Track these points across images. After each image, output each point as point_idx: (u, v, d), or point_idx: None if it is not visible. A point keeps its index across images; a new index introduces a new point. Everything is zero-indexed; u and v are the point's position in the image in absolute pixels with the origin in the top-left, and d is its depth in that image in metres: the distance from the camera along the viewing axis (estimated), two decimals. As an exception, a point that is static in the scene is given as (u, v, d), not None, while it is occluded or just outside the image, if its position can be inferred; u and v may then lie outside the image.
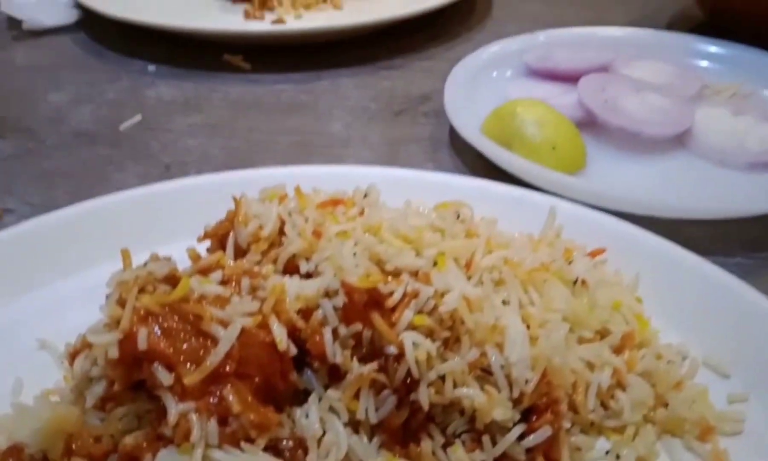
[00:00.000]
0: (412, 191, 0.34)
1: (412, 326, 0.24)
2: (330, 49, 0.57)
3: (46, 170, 0.44)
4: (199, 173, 0.43)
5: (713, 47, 0.52)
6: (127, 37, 0.59)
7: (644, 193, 0.39)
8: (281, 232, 0.28)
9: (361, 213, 0.29)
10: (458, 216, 0.30)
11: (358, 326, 0.24)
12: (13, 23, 0.62)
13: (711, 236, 0.37)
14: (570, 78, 0.48)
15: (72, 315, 0.27)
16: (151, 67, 0.55)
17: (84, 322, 0.25)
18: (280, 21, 0.59)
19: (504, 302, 0.27)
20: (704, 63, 0.52)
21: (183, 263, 0.26)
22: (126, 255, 0.25)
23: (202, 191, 0.35)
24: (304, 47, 0.57)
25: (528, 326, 0.26)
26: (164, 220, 0.34)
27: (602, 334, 0.29)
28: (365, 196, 0.31)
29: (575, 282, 0.30)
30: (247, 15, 0.62)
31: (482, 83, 0.48)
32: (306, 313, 0.25)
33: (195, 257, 0.26)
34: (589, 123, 0.44)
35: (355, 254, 0.26)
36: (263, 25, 0.60)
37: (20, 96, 0.52)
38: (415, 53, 0.58)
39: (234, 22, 0.62)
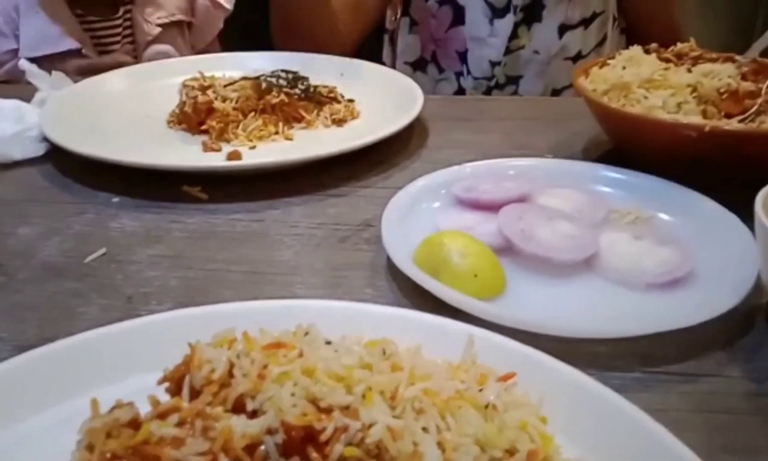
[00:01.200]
0: (349, 323, 0.38)
1: (343, 458, 0.28)
2: (282, 177, 0.63)
3: (15, 303, 0.47)
4: (159, 304, 0.47)
5: (618, 175, 0.59)
6: (92, 169, 0.63)
7: (553, 315, 0.44)
8: (230, 374, 0.32)
9: (301, 354, 0.34)
10: (384, 352, 0.35)
11: (296, 460, 0.28)
12: (-17, 157, 0.66)
13: (613, 352, 0.43)
14: (492, 207, 0.54)
15: (44, 450, 0.30)
16: (115, 199, 0.60)
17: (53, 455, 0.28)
18: (235, 154, 0.65)
19: (424, 430, 0.32)
20: (610, 189, 0.59)
21: (145, 397, 0.30)
22: (94, 404, 0.29)
23: (160, 328, 0.39)
24: (257, 177, 0.63)
25: (444, 450, 0.31)
26: (127, 356, 0.38)
27: (511, 452, 0.33)
28: (306, 334, 0.36)
29: (487, 406, 0.34)
30: (206, 147, 0.68)
31: (415, 213, 0.54)
32: (251, 448, 0.29)
33: (155, 402, 0.30)
34: (508, 250, 0.50)
35: (293, 394, 0.31)
36: (220, 157, 0.66)
37: (-10, 231, 0.56)
38: (358, 181, 0.64)
39: (193, 152, 0.68)
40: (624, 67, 0.65)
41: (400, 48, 1.10)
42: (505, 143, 0.71)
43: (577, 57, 1.02)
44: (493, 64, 1.01)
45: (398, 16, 1.10)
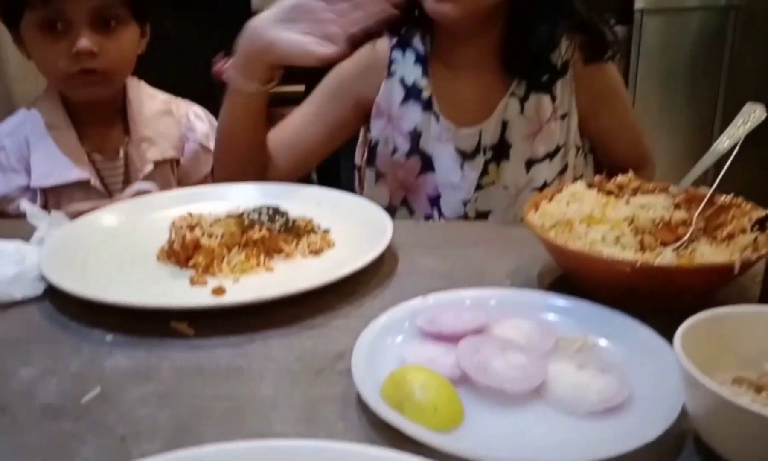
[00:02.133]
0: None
1: None
2: (262, 309, 0.69)
3: (19, 445, 0.52)
4: (149, 443, 0.52)
5: (565, 302, 0.66)
6: (87, 307, 0.69)
7: (505, 446, 0.50)
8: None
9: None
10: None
11: None
12: (-14, 297, 0.72)
13: (557, 478, 0.48)
14: (453, 339, 0.60)
15: None
16: (109, 337, 0.65)
17: None
18: (219, 289, 0.71)
19: None
20: (558, 317, 0.65)
21: None
22: None
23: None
24: (240, 310, 0.69)
25: None
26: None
27: None
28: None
29: None
30: (192, 281, 0.74)
31: (382, 347, 0.60)
32: None
33: None
34: (466, 380, 0.56)
35: None
36: (205, 291, 0.72)
37: (-6, 373, 0.61)
38: (332, 311, 0.70)
39: (181, 286, 0.74)
40: (568, 204, 0.73)
41: (368, 197, 1.12)
42: (468, 270, 0.78)
43: (543, 186, 1.08)
44: (465, 202, 1.07)
45: (364, 158, 1.16)
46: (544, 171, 1.08)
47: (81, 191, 1.07)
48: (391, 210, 1.11)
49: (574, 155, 1.13)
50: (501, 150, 1.06)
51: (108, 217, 0.87)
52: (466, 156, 1.06)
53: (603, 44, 1.06)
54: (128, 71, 1.13)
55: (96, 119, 1.12)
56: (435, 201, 1.09)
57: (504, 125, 1.06)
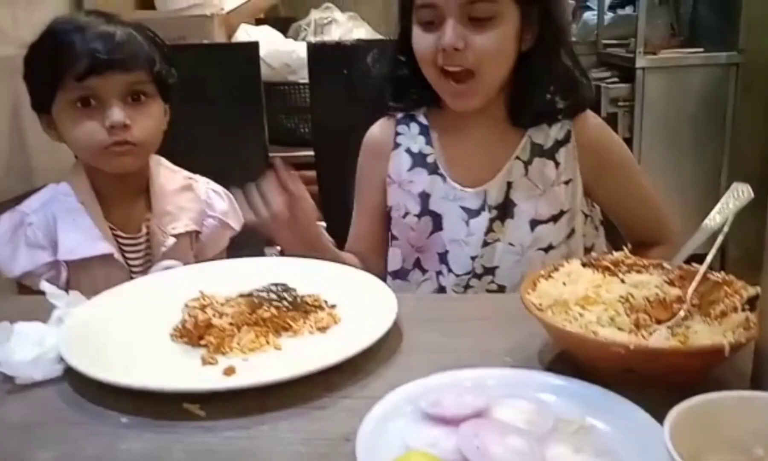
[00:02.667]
0: None
1: None
2: (271, 389, 0.71)
3: (36, 533, 0.54)
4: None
5: (563, 383, 0.68)
6: (105, 388, 0.71)
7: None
8: None
9: None
10: None
11: None
12: (7, 378, 0.75)
13: None
14: (454, 422, 0.62)
15: None
16: (124, 419, 0.68)
17: None
18: (230, 370, 0.74)
19: None
20: (557, 398, 0.67)
21: None
22: None
23: None
24: (249, 390, 0.71)
25: None
26: None
27: None
28: None
29: None
30: (204, 361, 0.77)
31: (385, 431, 0.62)
32: None
33: None
34: (467, 464, 0.58)
35: None
36: (217, 370, 0.74)
37: (14, 457, 0.63)
38: (338, 391, 0.72)
39: (193, 366, 0.76)
40: (564, 283, 0.76)
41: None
42: (471, 346, 0.81)
43: (549, 248, 1.11)
44: (472, 258, 1.11)
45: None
46: (550, 233, 1.11)
47: (103, 265, 1.11)
48: (403, 272, 1.17)
49: (582, 223, 1.16)
50: (505, 209, 1.11)
51: (124, 295, 0.90)
52: (471, 213, 1.11)
53: (583, 95, 1.13)
54: (156, 144, 1.18)
55: (121, 196, 1.17)
56: (443, 257, 1.13)
57: (508, 186, 1.11)
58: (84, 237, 1.11)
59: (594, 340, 0.67)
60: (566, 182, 1.12)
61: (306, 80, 1.96)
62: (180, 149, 1.27)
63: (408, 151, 1.15)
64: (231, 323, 0.80)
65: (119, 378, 0.70)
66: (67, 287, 1.12)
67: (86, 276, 1.11)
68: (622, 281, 0.78)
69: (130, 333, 0.82)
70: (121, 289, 0.92)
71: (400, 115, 1.17)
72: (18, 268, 1.11)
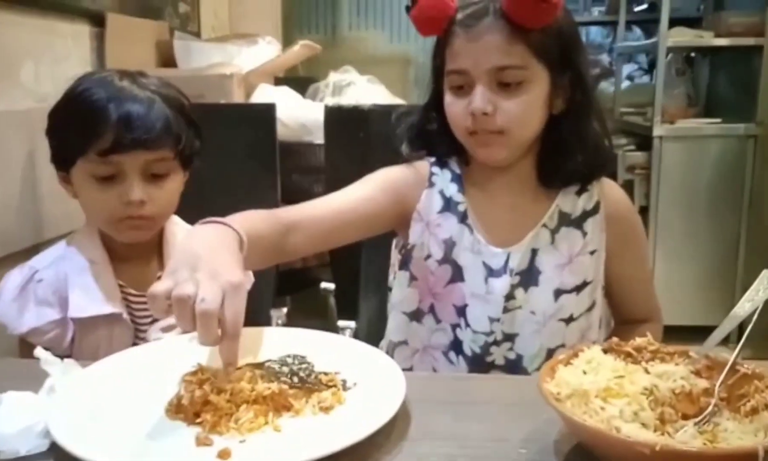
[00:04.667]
0: None
1: None
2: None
3: None
4: None
5: (583, 483, 0.63)
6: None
7: None
8: None
9: None
10: None
11: None
12: (-10, 452, 0.71)
13: None
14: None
15: None
16: (109, 504, 0.64)
17: None
18: (225, 453, 0.69)
19: None
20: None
21: None
22: None
23: None
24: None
25: None
26: None
27: None
28: None
29: None
30: (198, 441, 0.72)
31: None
32: None
33: None
34: None
35: None
36: (211, 452, 0.70)
37: None
38: (341, 478, 0.67)
39: (187, 446, 0.72)
40: (585, 372, 0.71)
41: (397, 298, 1.18)
42: (481, 434, 0.76)
43: (570, 319, 1.09)
44: (492, 320, 1.08)
45: (396, 271, 1.19)
46: (572, 304, 1.09)
47: (109, 323, 1.10)
48: (418, 314, 1.14)
49: (602, 295, 1.14)
50: (530, 276, 1.08)
51: (121, 365, 0.87)
52: (492, 272, 1.09)
53: (610, 159, 1.13)
54: (171, 212, 1.18)
55: (134, 257, 1.15)
56: (461, 311, 1.10)
57: (533, 253, 1.09)
58: (94, 298, 1.09)
59: (616, 438, 0.62)
60: (591, 253, 1.10)
61: (322, 141, 1.96)
62: (191, 204, 1.24)
63: (441, 193, 1.13)
64: (229, 401, 0.76)
65: (107, 458, 0.66)
66: (71, 345, 1.10)
67: (91, 334, 1.09)
68: (646, 370, 0.73)
69: (124, 406, 0.78)
70: (119, 357, 0.88)
71: (433, 159, 1.15)
72: (25, 325, 1.09)
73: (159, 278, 1.12)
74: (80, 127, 1.05)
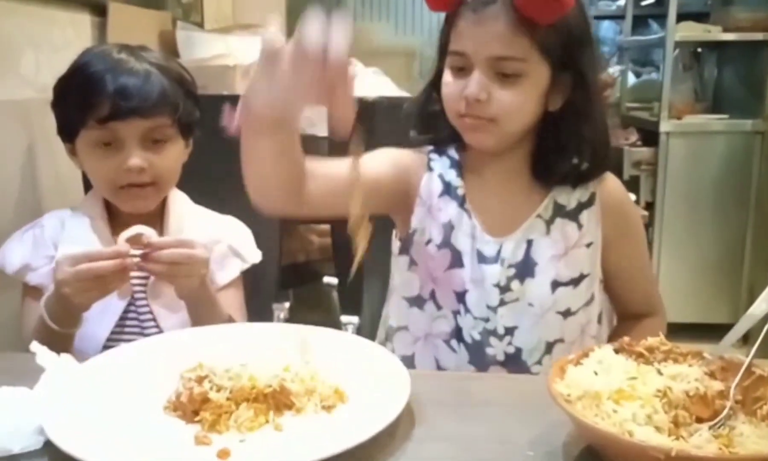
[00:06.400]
0: None
1: None
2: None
3: None
4: None
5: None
6: (86, 466, 0.65)
7: None
8: None
9: None
10: None
11: None
12: (-17, 457, 0.69)
13: None
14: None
15: None
16: (104, 506, 0.62)
17: None
18: (224, 452, 0.67)
19: None
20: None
21: None
22: None
23: None
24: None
25: None
26: None
27: None
28: None
29: None
30: (197, 440, 0.70)
31: None
32: None
33: None
34: None
35: None
36: (210, 452, 0.68)
37: None
38: (344, 480, 0.65)
39: (185, 444, 0.70)
40: (596, 373, 0.69)
41: (397, 282, 1.16)
42: (488, 436, 0.74)
43: (567, 313, 1.07)
44: (489, 308, 1.07)
45: (396, 256, 1.17)
46: (569, 297, 1.07)
47: None
48: (419, 301, 1.12)
49: (600, 289, 1.12)
50: (526, 267, 1.07)
51: (119, 359, 0.85)
52: (484, 259, 1.08)
53: (608, 159, 1.10)
54: (174, 181, 1.20)
55: (134, 220, 1.13)
56: (462, 297, 1.09)
57: (529, 244, 1.08)
58: (87, 239, 1.13)
59: (630, 442, 0.60)
60: (588, 245, 1.09)
61: (326, 134, 1.93)
62: (196, 194, 1.26)
63: (440, 177, 1.12)
64: (228, 399, 0.74)
65: (102, 457, 0.64)
66: None
67: None
68: (659, 371, 0.71)
69: (121, 404, 0.76)
70: (116, 352, 0.86)
71: (431, 147, 1.16)
72: (18, 261, 1.13)
73: None
74: (80, 97, 1.09)
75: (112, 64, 1.10)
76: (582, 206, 1.09)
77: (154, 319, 1.13)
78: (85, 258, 0.96)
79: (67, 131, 1.14)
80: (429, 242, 1.11)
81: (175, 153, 1.17)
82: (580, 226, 1.08)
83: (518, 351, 1.07)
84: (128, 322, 1.13)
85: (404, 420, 0.75)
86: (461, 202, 1.10)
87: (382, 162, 1.11)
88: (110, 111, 1.07)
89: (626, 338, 0.77)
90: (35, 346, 0.81)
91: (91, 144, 1.11)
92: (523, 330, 1.07)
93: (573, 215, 1.09)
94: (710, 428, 0.66)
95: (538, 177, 1.09)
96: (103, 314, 1.08)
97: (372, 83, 2.33)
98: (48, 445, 0.70)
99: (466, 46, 1.01)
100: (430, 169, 1.13)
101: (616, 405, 0.64)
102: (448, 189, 1.12)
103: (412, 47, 3.30)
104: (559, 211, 1.09)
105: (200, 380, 0.75)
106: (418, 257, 1.13)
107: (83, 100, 1.08)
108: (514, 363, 1.07)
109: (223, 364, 0.79)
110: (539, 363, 1.07)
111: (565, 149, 1.06)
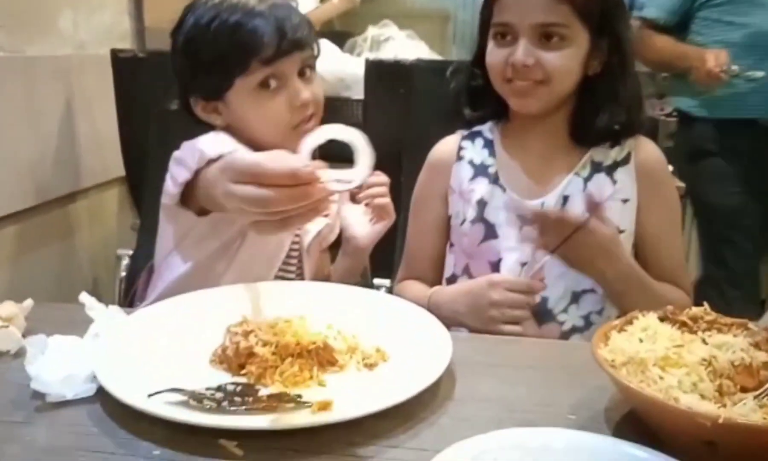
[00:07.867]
0: None
1: None
2: (311, 431, 0.66)
3: None
4: None
5: (637, 451, 0.61)
6: (137, 414, 0.67)
7: None
8: None
9: None
10: None
11: None
12: (37, 395, 0.71)
13: None
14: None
15: None
16: (156, 452, 0.64)
17: None
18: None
19: None
20: (630, 468, 0.60)
21: None
22: None
23: None
24: (289, 431, 0.66)
25: None
26: None
27: None
28: None
29: None
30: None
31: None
32: None
33: None
34: None
35: None
36: (258, 418, 0.69)
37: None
38: (385, 439, 0.66)
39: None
40: (641, 340, 0.69)
41: None
42: (529, 398, 0.74)
43: None
44: (522, 264, 1.12)
45: None
46: None
47: None
48: (454, 279, 1.19)
49: (632, 250, 1.14)
50: None
51: (166, 312, 0.86)
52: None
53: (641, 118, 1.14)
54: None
55: None
56: (496, 266, 1.14)
57: (565, 199, 1.12)
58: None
59: (675, 408, 0.60)
60: (623, 201, 1.13)
61: (360, 97, 1.92)
62: None
63: (470, 163, 1.19)
64: (274, 354, 0.75)
65: (152, 406, 0.65)
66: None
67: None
68: (704, 341, 0.71)
69: (168, 355, 0.78)
70: (162, 305, 0.88)
71: (465, 132, 1.23)
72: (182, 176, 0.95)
73: None
74: (237, 47, 1.04)
75: (261, 10, 1.05)
76: (617, 164, 1.14)
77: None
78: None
79: (216, 90, 1.07)
80: (463, 222, 1.17)
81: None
82: (614, 182, 1.13)
83: (544, 300, 1.11)
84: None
85: (445, 379, 0.76)
86: (494, 179, 1.16)
87: (428, 225, 1.23)
88: (276, 48, 1.04)
89: (670, 307, 0.76)
90: (84, 297, 0.83)
91: (252, 90, 1.05)
92: (549, 279, 1.11)
93: (608, 170, 1.13)
94: (755, 397, 0.65)
95: (576, 138, 1.14)
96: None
97: (406, 46, 2.31)
98: (100, 392, 0.72)
99: (511, 17, 1.07)
100: (459, 157, 1.20)
101: (662, 371, 0.64)
102: (478, 171, 1.18)
103: (446, 10, 3.26)
104: (596, 168, 1.13)
105: (246, 334, 0.77)
106: (455, 239, 1.19)
107: (243, 46, 1.04)
108: (541, 313, 1.10)
109: (267, 320, 0.81)
110: (565, 311, 1.11)
111: (602, 110, 1.11)
